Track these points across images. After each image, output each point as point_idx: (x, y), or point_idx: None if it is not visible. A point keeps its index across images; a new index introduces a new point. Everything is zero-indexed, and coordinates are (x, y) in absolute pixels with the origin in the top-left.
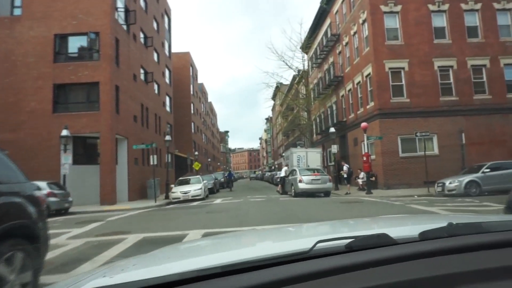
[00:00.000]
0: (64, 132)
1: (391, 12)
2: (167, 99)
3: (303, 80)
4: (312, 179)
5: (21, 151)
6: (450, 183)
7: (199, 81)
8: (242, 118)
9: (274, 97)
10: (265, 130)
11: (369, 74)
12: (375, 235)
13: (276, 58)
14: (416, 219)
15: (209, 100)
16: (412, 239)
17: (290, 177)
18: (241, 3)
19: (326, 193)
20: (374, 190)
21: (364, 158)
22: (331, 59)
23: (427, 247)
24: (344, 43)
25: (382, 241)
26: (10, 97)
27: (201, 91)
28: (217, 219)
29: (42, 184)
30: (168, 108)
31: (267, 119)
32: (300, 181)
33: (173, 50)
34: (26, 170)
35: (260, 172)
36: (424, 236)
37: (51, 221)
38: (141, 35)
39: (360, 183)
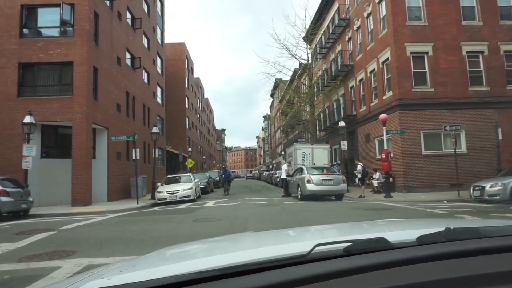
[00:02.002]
0: (28, 119)
1: None
2: (159, 90)
3: (307, 72)
4: (323, 179)
5: None
6: (491, 186)
7: (195, 76)
8: (239, 117)
9: (272, 94)
10: (263, 128)
11: (387, 59)
12: (373, 239)
13: (278, 46)
14: (414, 223)
15: (205, 96)
16: (409, 244)
17: (295, 177)
18: (239, 3)
19: (338, 196)
20: (393, 193)
21: (383, 156)
22: (338, 48)
23: (425, 251)
24: (355, 27)
25: (380, 245)
26: None
27: (197, 86)
28: (205, 232)
29: None
30: (159, 100)
31: (265, 117)
32: (309, 182)
33: (167, 42)
34: None
35: (257, 171)
36: (422, 240)
37: None
38: (128, 16)
39: (375, 184)
